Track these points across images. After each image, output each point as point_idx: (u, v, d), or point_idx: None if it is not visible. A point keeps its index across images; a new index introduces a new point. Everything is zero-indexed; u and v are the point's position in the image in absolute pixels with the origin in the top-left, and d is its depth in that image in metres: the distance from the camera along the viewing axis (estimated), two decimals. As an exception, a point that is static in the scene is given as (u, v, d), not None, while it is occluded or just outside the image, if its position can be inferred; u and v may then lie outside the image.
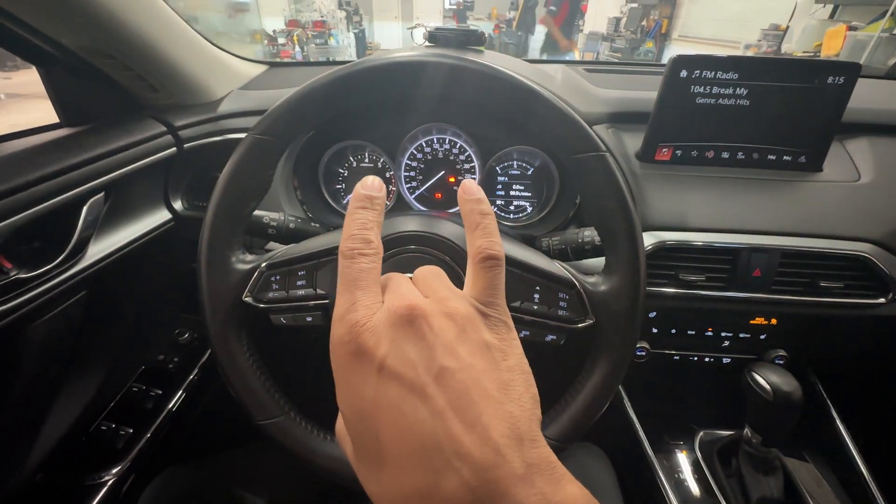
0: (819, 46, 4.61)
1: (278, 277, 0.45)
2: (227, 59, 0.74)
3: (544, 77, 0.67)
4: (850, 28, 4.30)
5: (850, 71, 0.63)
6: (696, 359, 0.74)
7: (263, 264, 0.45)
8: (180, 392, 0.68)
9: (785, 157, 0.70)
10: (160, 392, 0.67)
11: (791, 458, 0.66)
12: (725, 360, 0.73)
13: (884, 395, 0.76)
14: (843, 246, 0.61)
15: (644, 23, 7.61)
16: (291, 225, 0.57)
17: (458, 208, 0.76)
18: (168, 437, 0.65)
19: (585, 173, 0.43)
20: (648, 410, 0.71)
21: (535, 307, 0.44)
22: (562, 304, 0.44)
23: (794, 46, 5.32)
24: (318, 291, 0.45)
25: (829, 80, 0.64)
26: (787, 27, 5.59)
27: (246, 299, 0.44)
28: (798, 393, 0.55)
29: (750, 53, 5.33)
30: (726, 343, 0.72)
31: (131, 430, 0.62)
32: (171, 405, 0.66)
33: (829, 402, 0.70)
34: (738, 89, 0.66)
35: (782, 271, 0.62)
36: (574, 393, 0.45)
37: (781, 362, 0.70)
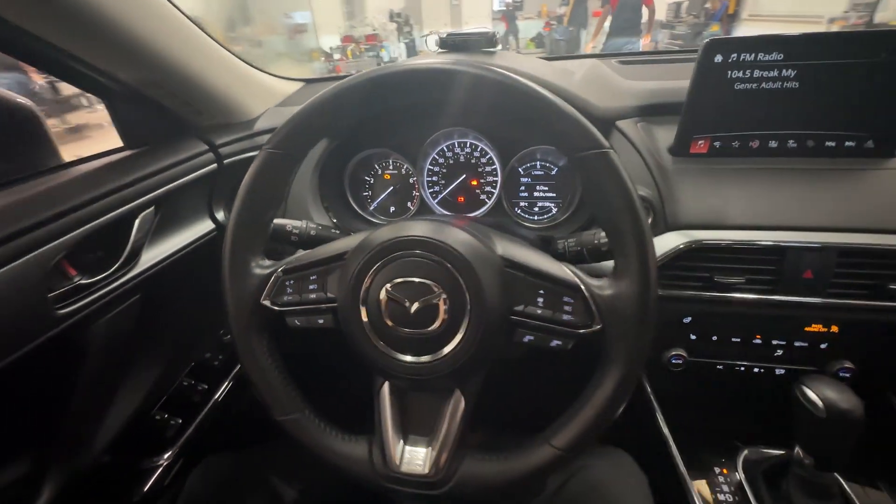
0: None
1: (292, 282, 0.48)
2: (264, 79, 0.80)
3: (561, 74, 0.65)
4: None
5: (924, 40, 0.55)
6: (742, 369, 0.67)
7: (280, 269, 0.48)
8: (224, 387, 0.74)
9: (847, 143, 0.62)
10: (206, 386, 0.73)
11: (857, 483, 0.58)
12: (779, 372, 0.66)
13: None
14: None
15: (708, 4, 7.04)
16: (313, 232, 0.60)
17: (478, 212, 0.76)
18: (212, 427, 0.71)
19: (589, 171, 0.41)
20: (686, 424, 0.66)
21: (539, 311, 0.43)
22: (567, 308, 0.43)
23: (890, 15, 4.65)
24: (329, 295, 0.47)
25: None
26: (883, -7, 4.90)
27: (264, 302, 0.48)
28: (858, 412, 0.48)
29: (836, 28, 4.75)
30: (779, 352, 0.65)
31: (180, 421, 0.69)
32: (216, 397, 0.73)
33: None
34: (784, 71, 0.59)
35: (840, 272, 0.55)
36: (582, 402, 0.43)
37: (847, 375, 0.62)
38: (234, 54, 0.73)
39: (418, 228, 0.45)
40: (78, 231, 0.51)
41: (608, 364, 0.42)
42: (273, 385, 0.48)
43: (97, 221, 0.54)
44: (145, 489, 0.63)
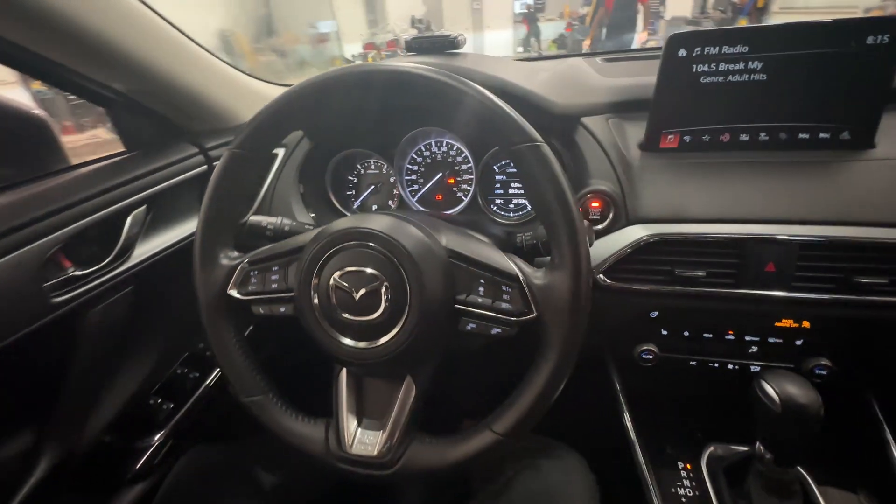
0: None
1: (257, 272, 0.52)
2: (254, 85, 0.85)
3: (526, 74, 0.66)
4: None
5: (893, 27, 0.53)
6: (716, 365, 0.66)
7: (245, 261, 0.52)
8: (213, 375, 0.79)
9: (822, 135, 0.61)
10: (197, 374, 0.78)
11: (831, 484, 0.56)
12: (754, 369, 0.65)
13: None
14: (885, 234, 0.52)
15: (736, -1, 6.81)
16: (287, 228, 0.63)
17: (455, 209, 0.78)
18: (201, 412, 0.76)
19: (522, 164, 0.42)
20: (655, 421, 0.66)
21: (480, 300, 0.45)
22: (505, 297, 0.44)
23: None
24: (289, 285, 0.50)
25: (870, 40, 0.55)
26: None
27: (230, 292, 0.51)
28: (814, 406, 0.47)
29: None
30: (753, 349, 0.64)
31: (171, 405, 0.74)
32: (206, 383, 0.78)
33: (885, 427, 0.58)
34: (750, 63, 0.59)
35: (804, 265, 0.54)
36: (520, 389, 0.44)
37: (823, 372, 0.60)
38: (225, 62, 0.78)
39: (373, 222, 0.47)
40: (72, 227, 0.57)
41: (544, 351, 0.43)
42: (238, 369, 0.51)
43: (90, 218, 0.59)
44: (136, 467, 0.68)
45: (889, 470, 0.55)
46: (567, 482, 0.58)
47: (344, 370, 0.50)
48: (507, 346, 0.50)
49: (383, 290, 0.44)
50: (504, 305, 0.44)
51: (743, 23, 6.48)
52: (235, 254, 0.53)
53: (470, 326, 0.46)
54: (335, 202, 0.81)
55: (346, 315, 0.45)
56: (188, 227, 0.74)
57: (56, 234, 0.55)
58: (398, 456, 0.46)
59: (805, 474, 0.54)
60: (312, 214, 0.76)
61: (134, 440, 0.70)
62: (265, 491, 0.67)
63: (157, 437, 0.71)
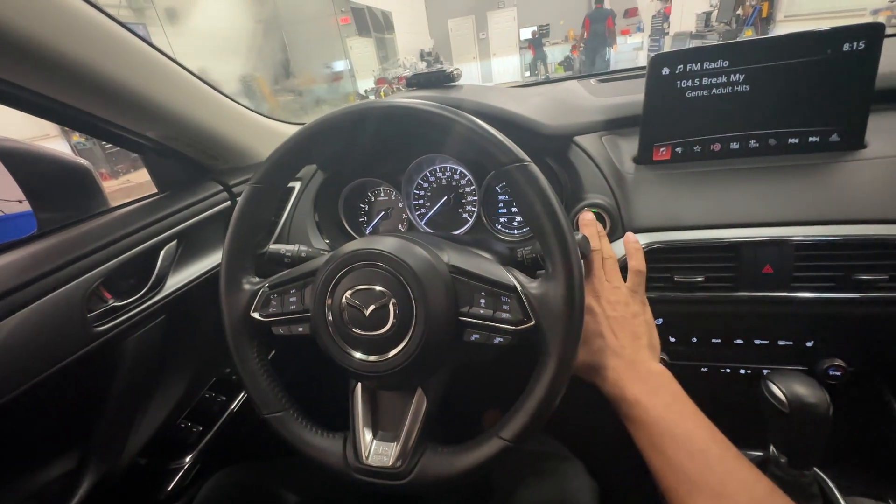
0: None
1: (276, 296, 0.56)
2: (272, 125, 0.92)
3: (517, 100, 0.71)
4: None
5: (871, 33, 0.56)
6: (728, 370, 0.66)
7: (266, 286, 0.56)
8: (239, 398, 0.83)
9: (811, 139, 0.62)
10: (224, 398, 0.82)
11: (859, 492, 0.55)
12: (766, 372, 0.64)
13: None
14: (882, 231, 0.52)
15: (740, 11, 6.88)
16: (303, 254, 0.68)
17: (461, 230, 0.81)
18: (229, 434, 0.80)
19: (512, 184, 0.46)
20: None
21: (481, 311, 0.48)
22: (504, 307, 0.47)
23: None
24: (305, 306, 0.54)
25: (846, 47, 0.57)
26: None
27: (253, 314, 0.56)
28: (822, 406, 0.47)
29: (881, 19, 4.47)
30: (764, 352, 0.64)
31: (201, 428, 0.77)
32: (232, 408, 0.81)
33: None
34: (732, 76, 0.62)
35: (801, 265, 0.55)
36: (524, 396, 0.46)
37: (837, 374, 0.60)
38: (244, 106, 0.85)
39: (380, 243, 0.51)
40: (112, 262, 0.63)
41: (544, 358, 0.45)
42: (261, 386, 0.55)
43: (127, 254, 0.65)
44: (169, 488, 0.72)
45: None
46: (576, 491, 0.58)
47: (359, 384, 0.53)
48: (516, 356, 0.52)
49: (391, 305, 0.47)
50: (504, 315, 0.46)
51: (748, 33, 6.52)
52: (257, 279, 0.57)
53: (474, 337, 0.48)
54: (348, 228, 0.86)
55: (357, 331, 0.48)
56: (214, 258, 0.80)
57: (98, 270, 0.61)
58: (412, 466, 0.48)
59: (825, 476, 0.53)
60: (327, 241, 0.81)
61: (167, 462, 0.74)
62: None
63: (187, 459, 0.74)
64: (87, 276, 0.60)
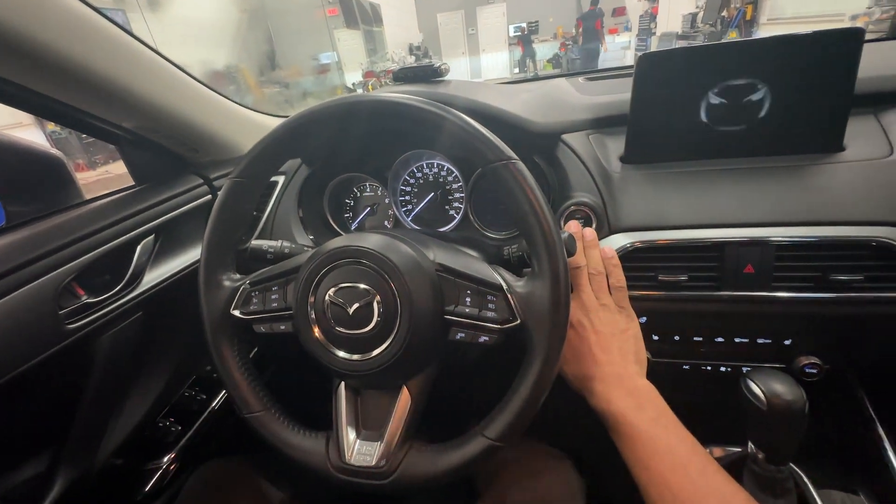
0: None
1: (258, 293, 0.55)
2: (254, 117, 0.90)
3: (506, 97, 0.70)
4: None
5: (851, 38, 0.57)
6: (709, 368, 0.67)
7: (247, 282, 0.55)
8: (219, 396, 0.81)
9: (791, 141, 0.63)
10: (204, 396, 0.80)
11: (831, 486, 0.57)
12: (746, 370, 0.66)
13: None
14: (860, 232, 0.54)
15: (725, 13, 6.99)
16: (286, 251, 0.67)
17: (448, 226, 0.81)
18: (209, 433, 0.78)
19: (500, 181, 0.45)
20: None
21: (467, 310, 0.47)
22: (490, 306, 0.46)
23: (919, 7, 4.45)
24: (288, 303, 0.53)
25: (827, 51, 0.58)
26: (909, -14, 4.71)
27: (233, 312, 0.54)
28: (799, 403, 0.48)
29: (859, 23, 4.59)
30: (743, 351, 0.65)
31: (180, 427, 0.76)
32: (212, 406, 0.80)
33: (876, 422, 0.59)
34: (717, 77, 0.62)
35: (781, 265, 0.56)
36: (509, 395, 0.46)
37: (814, 371, 0.61)
38: (226, 97, 0.83)
39: (364, 240, 0.50)
40: (85, 257, 0.60)
41: (529, 357, 0.45)
42: (240, 385, 0.53)
43: (102, 248, 0.63)
44: (147, 488, 0.70)
45: (884, 467, 0.55)
46: (563, 489, 0.59)
47: (342, 383, 0.52)
48: (502, 355, 0.52)
49: (375, 304, 0.46)
50: (490, 314, 0.46)
51: (732, 35, 6.62)
52: (237, 276, 0.56)
53: (459, 335, 0.48)
54: (333, 224, 0.85)
55: (340, 329, 0.48)
56: (194, 253, 0.78)
57: (71, 265, 0.59)
58: (396, 465, 0.48)
59: (800, 472, 0.55)
60: (311, 237, 0.80)
61: (144, 462, 0.72)
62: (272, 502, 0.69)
63: (165, 459, 0.73)
64: (58, 271, 0.57)
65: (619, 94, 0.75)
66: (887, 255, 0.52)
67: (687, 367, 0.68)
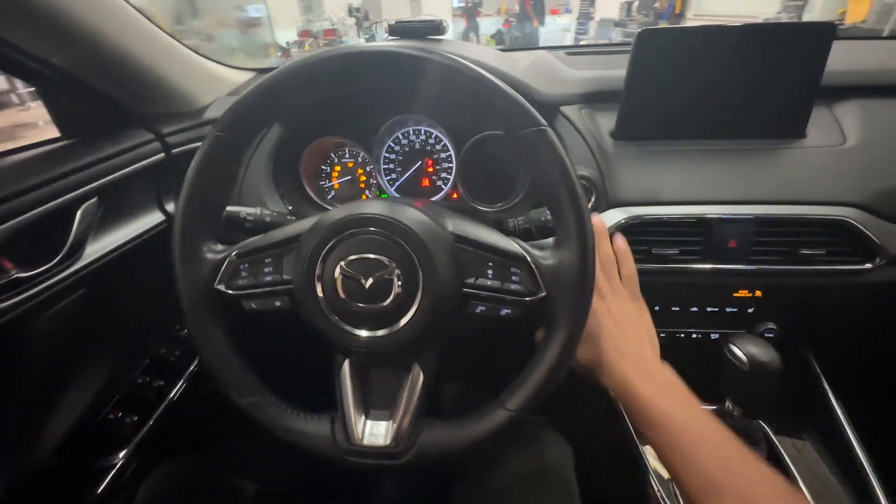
0: (844, 14, 4.37)
1: (247, 265, 0.48)
2: (214, 68, 0.78)
3: (508, 62, 0.68)
4: (878, -8, 4.06)
5: (823, 32, 0.61)
6: (682, 335, 0.73)
7: (233, 253, 0.48)
8: (181, 383, 0.73)
9: (764, 126, 0.68)
10: (162, 383, 0.71)
11: (785, 434, 0.65)
12: (714, 336, 0.72)
13: (878, 368, 0.73)
14: (824, 211, 0.60)
15: (657, 4, 7.39)
16: (268, 219, 0.60)
17: (435, 198, 0.78)
18: (170, 424, 0.70)
19: (529, 148, 0.43)
20: None
21: (489, 282, 0.46)
22: (514, 278, 0.45)
23: (816, 16, 5.06)
24: (284, 277, 0.48)
25: (801, 42, 0.62)
26: (810, -4, 5.33)
27: (218, 287, 0.48)
28: (775, 363, 0.54)
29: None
30: (713, 318, 0.71)
31: (136, 419, 0.67)
32: (171, 395, 0.71)
33: (823, 380, 0.68)
34: (707, 59, 0.64)
35: (759, 241, 0.61)
36: (531, 366, 0.46)
37: (771, 335, 0.69)
38: (179, 41, 0.71)
39: (372, 207, 0.46)
40: (12, 223, 0.49)
41: (553, 328, 0.45)
42: (231, 369, 0.48)
43: (33, 212, 0.51)
44: (99, 490, 0.61)
45: (828, 416, 0.65)
46: (555, 455, 0.61)
47: (347, 362, 0.49)
48: (501, 329, 0.51)
49: (395, 276, 0.43)
50: (514, 287, 0.45)
51: (663, 26, 7.06)
52: (220, 247, 0.49)
53: (479, 309, 0.46)
54: (310, 192, 0.78)
55: (354, 304, 0.44)
56: (146, 221, 0.68)
57: None
58: (411, 443, 0.46)
59: (765, 426, 0.62)
60: (290, 206, 0.72)
61: (94, 460, 0.63)
62: (246, 498, 0.64)
63: (121, 455, 0.64)
64: None
65: (607, 69, 0.75)
66: (846, 233, 0.59)
67: (664, 334, 0.73)
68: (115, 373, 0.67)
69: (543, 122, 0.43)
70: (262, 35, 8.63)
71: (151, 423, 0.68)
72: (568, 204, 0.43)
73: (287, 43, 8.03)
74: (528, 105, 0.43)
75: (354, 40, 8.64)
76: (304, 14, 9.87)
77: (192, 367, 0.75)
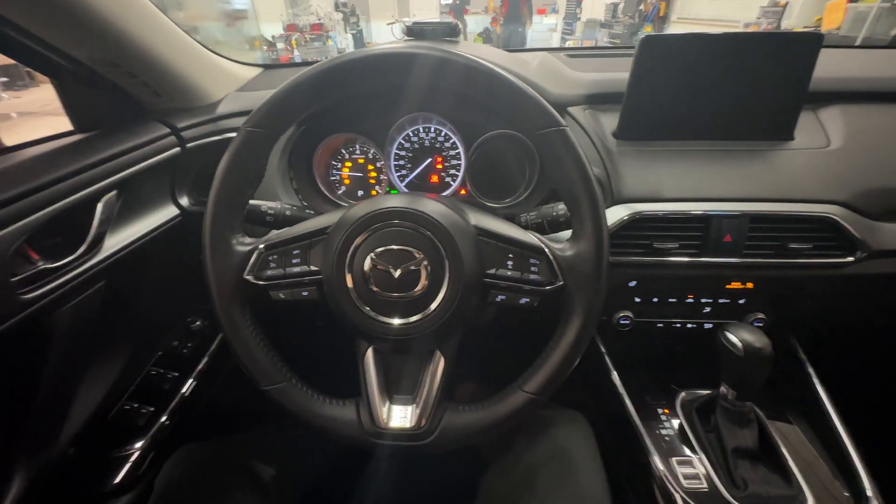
0: (820, 21, 4.53)
1: (275, 257, 0.50)
2: (224, 64, 0.79)
3: (519, 63, 0.71)
4: (851, 0, 4.23)
5: (812, 41, 0.66)
6: (679, 325, 0.77)
7: (262, 245, 0.50)
8: (193, 375, 0.74)
9: (756, 128, 0.72)
10: (176, 374, 0.72)
11: (774, 418, 0.69)
12: (707, 326, 0.77)
13: (858, 354, 0.79)
14: (811, 209, 0.64)
15: (642, 7, 7.53)
16: (288, 213, 0.61)
17: (446, 192, 0.80)
18: (184, 415, 0.71)
19: (549, 147, 0.46)
20: (633, 377, 0.75)
21: (509, 273, 0.49)
22: (533, 269, 0.48)
23: (794, 22, 5.24)
24: (312, 268, 0.50)
25: (792, 51, 0.67)
26: (787, 2, 5.51)
27: (247, 277, 0.49)
28: (768, 349, 0.58)
29: (751, 31, 5.26)
30: (707, 309, 0.76)
31: (152, 409, 0.68)
32: (184, 388, 0.72)
33: (807, 364, 0.73)
34: (706, 64, 0.68)
35: (752, 235, 0.65)
36: (548, 351, 0.49)
37: (760, 325, 0.73)
38: (193, 38, 0.72)
39: (398, 201, 0.48)
40: (39, 214, 0.50)
41: (570, 315, 0.48)
42: (257, 357, 0.49)
43: (58, 204, 0.52)
44: (118, 479, 0.62)
45: (812, 398, 0.70)
46: (578, 442, 0.64)
47: (370, 349, 0.51)
48: (516, 318, 0.54)
49: (422, 266, 0.46)
50: (533, 277, 0.48)
51: (648, 29, 7.19)
52: (248, 239, 0.51)
53: (499, 298, 0.49)
54: (322, 188, 0.79)
55: (383, 293, 0.46)
56: (161, 214, 0.68)
57: (22, 223, 0.48)
58: (435, 425, 0.49)
59: (756, 408, 0.66)
60: (305, 202, 0.74)
61: (113, 449, 0.63)
62: (263, 483, 0.65)
63: (138, 444, 0.65)
64: (6, 230, 0.47)
65: (610, 72, 0.79)
66: (830, 229, 0.64)
67: (661, 324, 0.77)
68: (130, 365, 0.68)
69: (563, 122, 0.46)
70: (247, 28, 8.47)
71: (168, 413, 0.69)
72: (586, 201, 0.46)
73: (273, 37, 7.90)
74: (548, 106, 0.46)
75: (341, 35, 8.56)
76: (289, 8, 9.72)
77: (203, 361, 0.76)
